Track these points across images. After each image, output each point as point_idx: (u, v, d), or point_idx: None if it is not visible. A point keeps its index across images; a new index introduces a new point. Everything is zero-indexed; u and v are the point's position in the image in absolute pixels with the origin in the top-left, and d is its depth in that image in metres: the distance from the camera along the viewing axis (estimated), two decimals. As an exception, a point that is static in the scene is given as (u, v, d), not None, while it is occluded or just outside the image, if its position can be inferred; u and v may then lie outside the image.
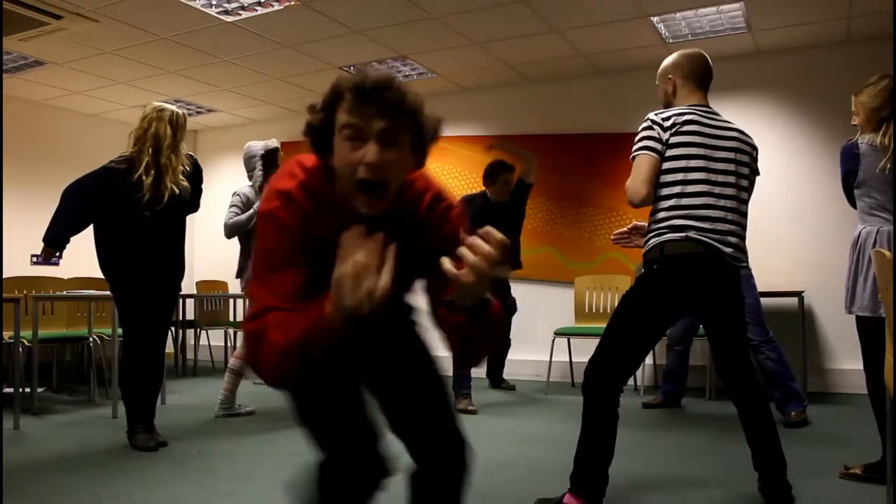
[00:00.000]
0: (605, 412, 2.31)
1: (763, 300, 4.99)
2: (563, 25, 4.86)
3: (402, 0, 4.42)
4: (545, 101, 6.10)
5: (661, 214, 2.38)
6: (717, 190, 2.34)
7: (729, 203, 2.36)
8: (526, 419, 4.06)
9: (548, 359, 5.10)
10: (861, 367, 2.70)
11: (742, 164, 2.41)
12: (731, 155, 2.38)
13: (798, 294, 4.62)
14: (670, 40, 5.09)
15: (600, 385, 2.33)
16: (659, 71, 2.61)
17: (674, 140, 2.36)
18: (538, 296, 5.62)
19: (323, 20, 4.72)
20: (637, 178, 2.38)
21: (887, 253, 2.09)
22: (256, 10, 4.56)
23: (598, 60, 5.51)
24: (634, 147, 2.42)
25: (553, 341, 5.14)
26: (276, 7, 4.51)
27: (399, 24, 4.83)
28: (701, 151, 2.35)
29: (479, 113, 6.38)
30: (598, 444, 2.30)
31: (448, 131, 6.07)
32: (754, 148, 2.49)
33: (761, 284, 5.03)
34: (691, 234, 2.30)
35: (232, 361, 4.27)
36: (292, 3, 4.44)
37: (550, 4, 4.50)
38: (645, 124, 2.42)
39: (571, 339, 5.36)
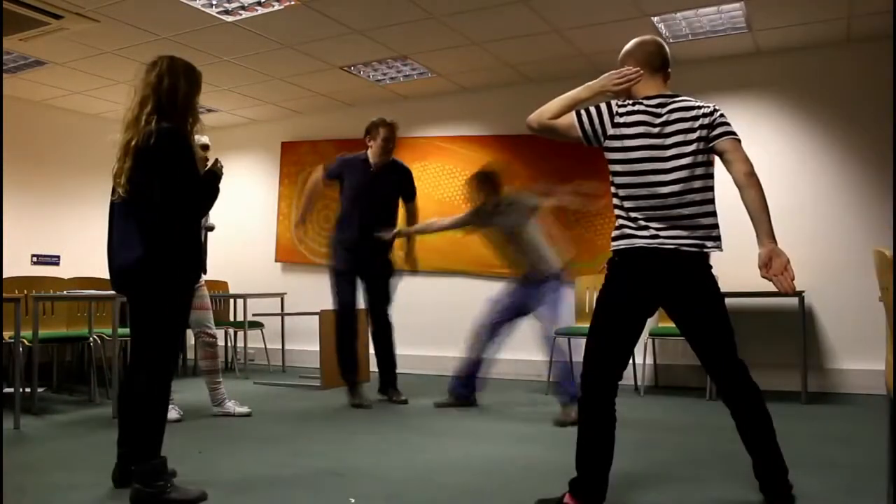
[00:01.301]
0: (601, 415, 2.28)
1: (763, 300, 5.00)
2: (563, 25, 4.86)
3: (402, 0, 4.42)
4: (545, 101, 6.05)
5: (616, 212, 2.39)
6: (664, 190, 2.29)
7: (675, 189, 2.30)
8: (526, 419, 4.06)
9: (548, 359, 5.09)
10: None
11: (688, 142, 2.30)
12: (679, 138, 2.30)
13: (798, 294, 4.62)
14: (671, 40, 5.09)
15: (591, 388, 2.30)
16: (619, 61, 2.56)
17: (615, 132, 2.36)
18: (538, 296, 5.62)
19: (323, 20, 4.72)
20: (550, 108, 2.48)
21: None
22: (256, 10, 4.57)
23: (598, 60, 5.50)
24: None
25: (553, 341, 5.13)
26: (276, 7, 4.51)
27: (399, 24, 4.83)
28: (645, 153, 2.32)
29: (479, 113, 6.38)
30: (596, 447, 2.27)
31: (448, 131, 6.07)
32: (700, 116, 2.32)
33: (761, 284, 5.02)
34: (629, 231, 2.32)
35: (201, 364, 4.29)
36: (292, 3, 4.45)
37: (550, 4, 4.50)
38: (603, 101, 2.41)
39: (572, 339, 5.35)
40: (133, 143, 2.51)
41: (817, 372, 4.94)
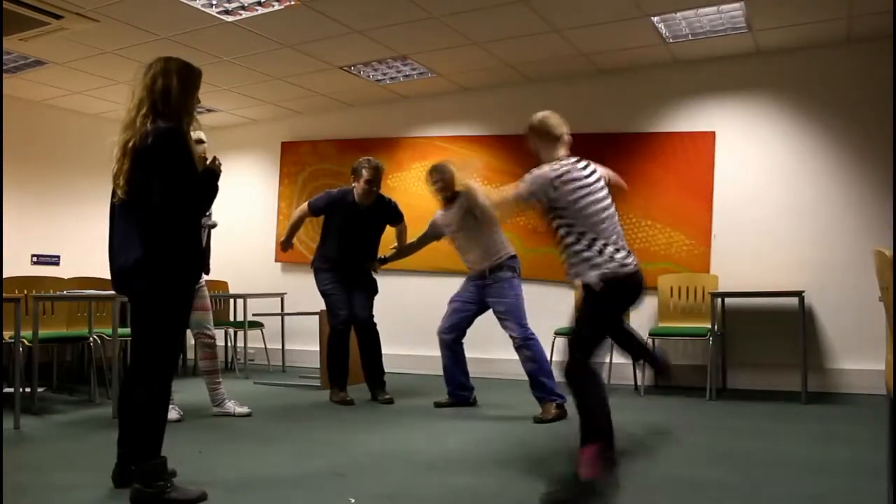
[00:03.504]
0: (594, 378, 2.76)
1: (763, 300, 5.01)
2: (564, 25, 4.86)
3: (402, 0, 4.42)
4: (545, 101, 6.04)
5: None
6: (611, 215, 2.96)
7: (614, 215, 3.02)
8: (526, 419, 4.06)
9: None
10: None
11: (601, 178, 3.09)
12: (598, 176, 3.06)
13: (798, 294, 4.62)
14: (670, 40, 5.10)
15: (587, 364, 2.77)
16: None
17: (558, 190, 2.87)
18: (538, 296, 5.61)
19: (323, 20, 4.72)
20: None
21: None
22: (256, 10, 4.56)
23: (598, 60, 5.51)
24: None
25: (553, 341, 5.14)
26: (276, 7, 4.51)
27: (399, 24, 4.83)
28: (591, 193, 2.93)
29: (479, 113, 6.38)
30: (598, 401, 2.67)
31: (448, 131, 6.09)
32: (591, 163, 3.14)
33: (761, 284, 5.03)
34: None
35: (201, 364, 4.32)
36: (292, 2, 4.44)
37: (550, 4, 4.50)
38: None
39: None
40: (130, 144, 2.51)
41: (817, 372, 4.93)
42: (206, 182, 2.64)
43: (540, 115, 3.21)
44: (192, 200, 2.58)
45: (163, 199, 2.49)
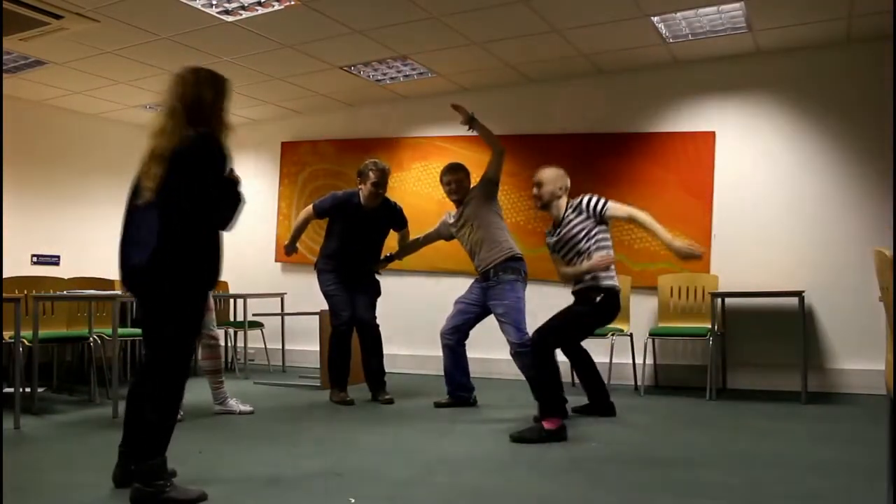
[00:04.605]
0: (554, 361, 3.60)
1: (763, 300, 5.01)
2: (564, 25, 4.86)
3: (402, 0, 4.43)
4: (545, 101, 6.10)
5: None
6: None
7: None
8: (525, 419, 4.05)
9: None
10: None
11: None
12: None
13: (798, 294, 4.62)
14: (670, 40, 5.10)
15: (550, 348, 3.66)
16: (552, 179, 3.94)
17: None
18: (538, 296, 5.61)
19: (323, 20, 4.72)
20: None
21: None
22: (256, 10, 4.57)
23: (598, 60, 5.51)
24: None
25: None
26: (276, 7, 4.51)
27: (399, 24, 4.83)
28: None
29: (479, 113, 6.35)
30: (556, 380, 3.56)
31: (448, 131, 6.08)
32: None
33: (761, 284, 5.03)
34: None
35: (204, 364, 4.32)
36: (292, 3, 4.45)
37: (550, 4, 4.50)
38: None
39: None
40: (161, 150, 2.52)
41: (817, 372, 4.93)
42: (233, 192, 2.66)
43: (563, 175, 4.02)
44: (221, 208, 2.61)
45: (193, 203, 2.50)
